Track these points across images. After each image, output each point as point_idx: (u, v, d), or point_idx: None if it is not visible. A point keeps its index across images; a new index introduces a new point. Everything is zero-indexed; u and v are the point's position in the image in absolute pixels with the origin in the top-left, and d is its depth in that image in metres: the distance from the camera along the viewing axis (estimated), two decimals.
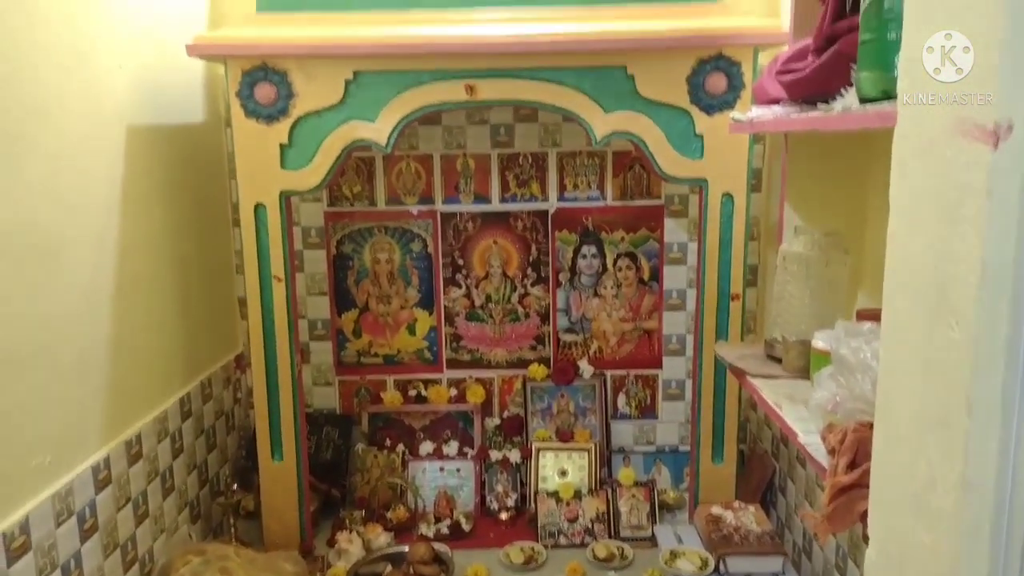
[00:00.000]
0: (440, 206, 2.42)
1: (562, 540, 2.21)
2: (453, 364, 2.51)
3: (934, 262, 0.70)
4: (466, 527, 2.26)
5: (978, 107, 0.65)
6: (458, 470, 2.40)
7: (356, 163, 2.39)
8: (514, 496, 2.37)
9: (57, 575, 1.47)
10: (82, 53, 1.62)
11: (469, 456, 2.42)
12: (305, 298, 2.45)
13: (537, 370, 2.47)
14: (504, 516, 2.32)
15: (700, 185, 1.98)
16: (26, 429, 1.42)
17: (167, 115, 2.03)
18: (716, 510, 2.10)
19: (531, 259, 2.45)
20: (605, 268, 2.45)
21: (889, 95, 0.95)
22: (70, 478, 1.53)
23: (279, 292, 1.99)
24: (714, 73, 1.87)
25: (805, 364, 1.39)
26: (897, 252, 0.78)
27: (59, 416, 1.53)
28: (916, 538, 0.74)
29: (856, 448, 0.98)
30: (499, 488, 2.37)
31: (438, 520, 2.26)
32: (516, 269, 2.46)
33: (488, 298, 2.48)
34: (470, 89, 1.88)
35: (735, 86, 1.88)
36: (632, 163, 2.38)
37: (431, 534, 2.22)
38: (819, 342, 1.29)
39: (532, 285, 2.47)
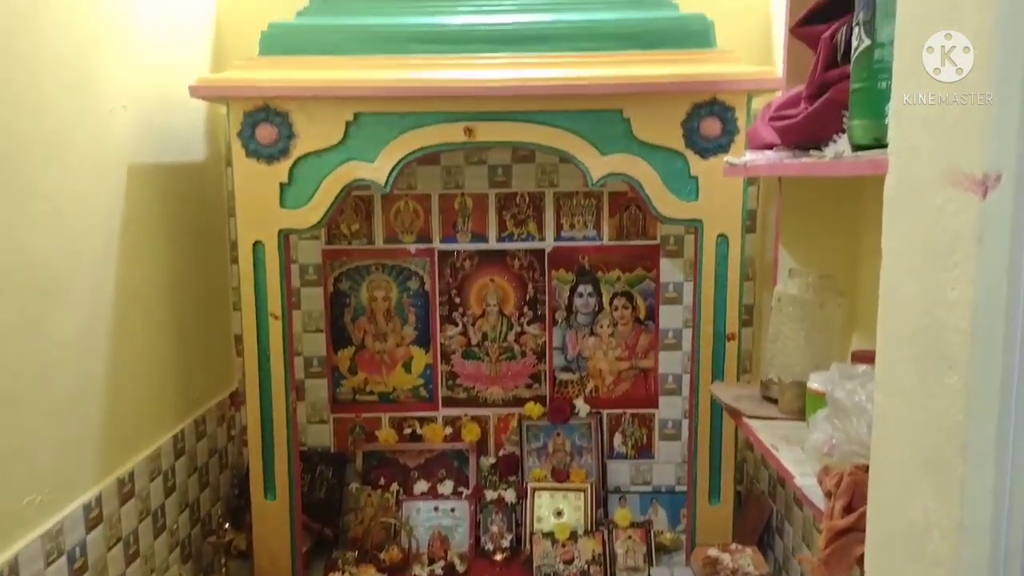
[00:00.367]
0: (438, 244, 2.44)
1: None
2: (449, 402, 2.50)
3: (927, 308, 0.71)
4: (460, 568, 2.23)
5: (967, 156, 0.67)
6: (452, 510, 2.38)
7: (355, 201, 2.41)
8: (509, 537, 2.34)
9: None
10: (86, 93, 1.65)
11: (464, 496, 2.40)
12: (301, 335, 2.45)
13: (533, 408, 2.47)
14: (499, 557, 2.30)
15: (695, 226, 2.00)
16: (18, 467, 1.41)
17: (168, 154, 2.05)
18: (713, 552, 2.08)
19: (528, 297, 2.46)
20: (601, 307, 2.46)
21: (881, 142, 0.97)
22: (61, 517, 1.51)
23: (275, 329, 1.99)
24: (708, 117, 1.90)
25: (801, 406, 1.39)
26: (890, 297, 0.79)
27: (52, 454, 1.51)
28: None
29: (852, 491, 0.98)
30: (494, 528, 2.35)
31: (432, 561, 2.24)
32: (513, 307, 2.47)
33: (484, 336, 2.48)
34: (469, 131, 1.91)
35: (729, 130, 1.91)
36: (628, 203, 2.41)
37: (425, 575, 2.19)
38: (815, 384, 1.29)
39: (528, 323, 2.48)
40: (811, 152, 1.22)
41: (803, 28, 1.36)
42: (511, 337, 2.48)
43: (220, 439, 2.33)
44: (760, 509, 2.25)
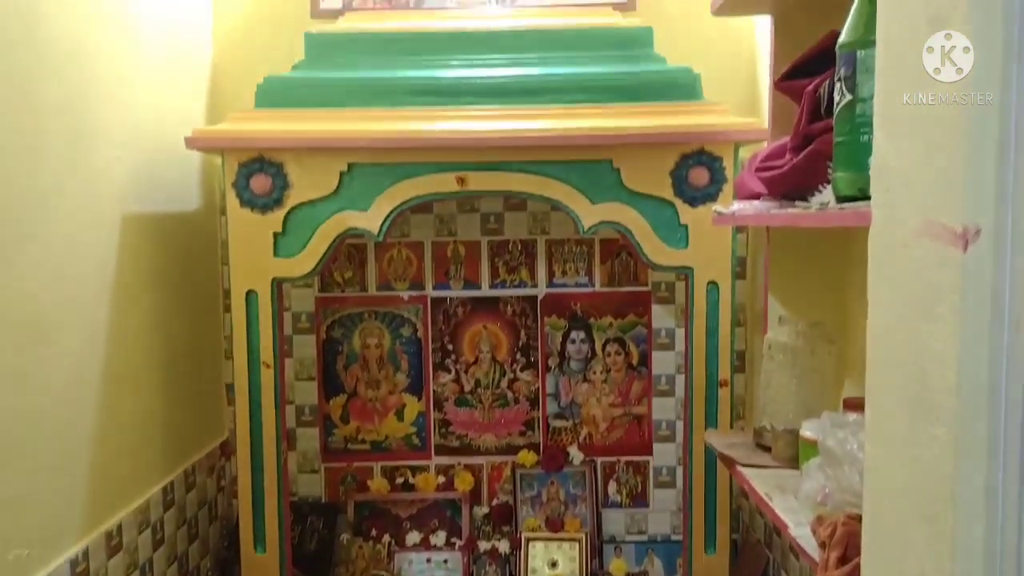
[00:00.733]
0: (430, 291, 2.45)
1: None
2: (441, 450, 2.48)
3: (913, 358, 0.72)
4: None
5: (946, 210, 0.68)
6: (445, 561, 2.34)
7: (348, 249, 2.42)
8: None
9: None
10: (83, 144, 1.67)
11: (457, 547, 2.37)
12: (293, 383, 2.44)
13: (527, 456, 2.45)
14: None
15: (686, 273, 2.02)
16: (4, 521, 1.39)
17: (163, 203, 2.07)
18: None
19: (520, 344, 2.47)
20: (594, 353, 2.46)
21: (865, 193, 0.99)
22: (47, 572, 1.48)
23: (267, 378, 1.98)
24: (696, 167, 1.93)
25: (794, 453, 1.39)
26: (878, 348, 0.80)
27: (40, 508, 1.49)
28: None
29: (846, 542, 0.97)
30: None
31: None
32: (505, 354, 2.47)
33: (477, 383, 2.48)
34: (461, 181, 1.93)
35: (717, 180, 1.94)
36: (619, 250, 2.43)
37: None
38: (807, 432, 1.30)
39: (521, 370, 2.47)
40: (797, 202, 1.25)
41: (787, 82, 1.40)
42: (504, 384, 2.48)
43: (210, 490, 2.30)
44: (757, 558, 2.22)
